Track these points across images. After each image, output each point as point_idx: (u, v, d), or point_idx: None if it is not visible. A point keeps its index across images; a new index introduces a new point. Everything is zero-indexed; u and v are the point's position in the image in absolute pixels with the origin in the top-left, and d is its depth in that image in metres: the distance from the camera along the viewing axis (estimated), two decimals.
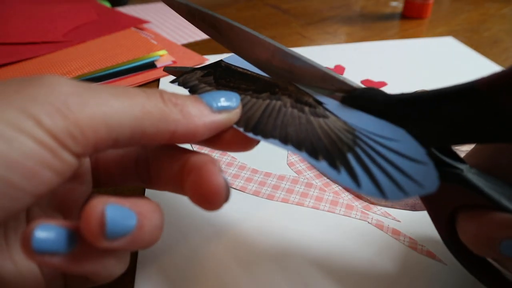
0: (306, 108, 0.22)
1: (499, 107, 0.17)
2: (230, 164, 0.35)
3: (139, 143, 0.19)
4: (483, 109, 0.18)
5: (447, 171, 0.20)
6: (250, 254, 0.27)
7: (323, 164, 0.18)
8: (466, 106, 0.18)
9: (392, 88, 0.48)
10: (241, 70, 0.25)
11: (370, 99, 0.21)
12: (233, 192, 0.32)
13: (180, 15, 0.26)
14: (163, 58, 0.54)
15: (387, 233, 0.28)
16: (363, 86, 0.22)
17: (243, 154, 0.36)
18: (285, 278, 0.25)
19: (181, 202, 0.31)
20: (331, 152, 0.19)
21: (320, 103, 0.22)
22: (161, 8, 0.77)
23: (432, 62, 0.56)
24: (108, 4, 0.75)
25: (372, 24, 0.72)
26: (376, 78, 0.50)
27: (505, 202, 0.19)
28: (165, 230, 0.28)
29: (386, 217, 0.29)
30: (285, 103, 0.22)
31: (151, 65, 0.52)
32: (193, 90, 0.24)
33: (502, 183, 0.20)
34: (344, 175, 0.18)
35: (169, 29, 0.67)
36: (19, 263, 0.19)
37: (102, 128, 0.17)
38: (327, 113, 0.21)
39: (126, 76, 0.50)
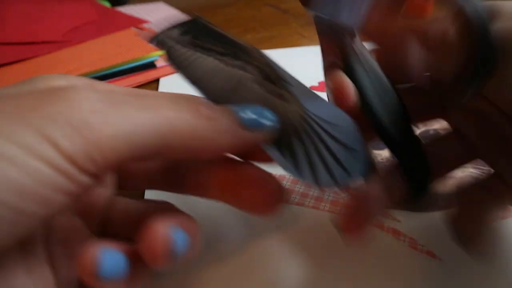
0: (271, 87, 0.21)
1: None
2: None
3: (164, 157, 0.19)
4: None
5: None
6: (249, 254, 0.27)
7: (273, 150, 0.19)
8: None
9: None
10: (217, 30, 0.24)
11: None
12: None
13: None
14: (163, 58, 0.54)
15: (387, 233, 0.28)
16: None
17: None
18: (285, 277, 0.25)
19: (182, 200, 0.31)
20: (282, 137, 0.19)
21: (286, 82, 0.22)
22: (161, 8, 0.77)
23: None
24: (108, 4, 0.75)
25: None
26: None
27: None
28: None
29: (386, 217, 0.29)
30: (253, 78, 0.21)
31: (151, 65, 0.52)
32: (169, 53, 0.23)
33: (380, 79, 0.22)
34: (288, 159, 0.18)
35: None
36: (37, 282, 0.18)
37: (124, 147, 0.16)
38: (288, 95, 0.21)
39: (126, 76, 0.50)
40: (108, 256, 0.16)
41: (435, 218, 0.29)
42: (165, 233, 0.16)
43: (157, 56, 0.53)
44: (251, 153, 0.22)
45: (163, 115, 0.17)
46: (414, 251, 0.26)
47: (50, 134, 0.15)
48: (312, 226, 0.29)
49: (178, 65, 0.22)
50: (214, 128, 0.18)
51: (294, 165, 0.18)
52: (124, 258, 0.17)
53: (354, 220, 0.21)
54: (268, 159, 0.21)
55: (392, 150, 0.22)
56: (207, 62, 0.22)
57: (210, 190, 0.22)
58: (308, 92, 0.22)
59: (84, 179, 0.16)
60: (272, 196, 0.20)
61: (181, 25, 0.24)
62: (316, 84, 0.49)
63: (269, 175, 0.21)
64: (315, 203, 0.31)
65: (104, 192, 0.22)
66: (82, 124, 0.15)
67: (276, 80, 0.21)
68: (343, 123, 0.20)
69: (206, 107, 0.18)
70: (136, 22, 0.65)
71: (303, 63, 0.54)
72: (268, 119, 0.19)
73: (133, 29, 0.62)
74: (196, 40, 0.23)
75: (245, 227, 0.29)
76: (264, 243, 0.27)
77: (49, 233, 0.19)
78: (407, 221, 0.29)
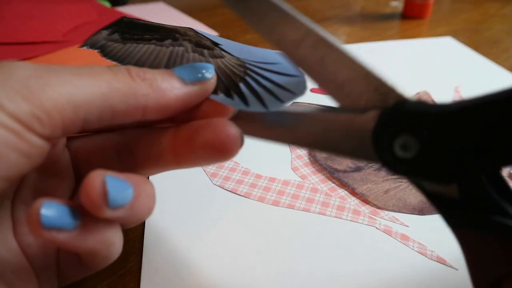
0: (206, 51, 0.23)
1: None
2: (233, 169, 0.34)
3: (112, 122, 0.19)
4: None
5: (504, 223, 0.16)
6: (256, 262, 0.26)
7: (221, 96, 0.21)
8: None
9: None
10: (143, 22, 0.26)
11: (418, 111, 0.16)
12: (237, 199, 0.31)
13: None
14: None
15: (395, 238, 0.28)
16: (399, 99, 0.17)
17: (246, 158, 0.35)
18: (293, 285, 0.25)
19: (187, 208, 0.30)
20: (227, 86, 0.22)
21: (216, 44, 0.24)
22: (161, 8, 0.76)
23: (432, 63, 0.56)
24: (108, 4, 0.75)
25: (372, 24, 0.72)
26: None
27: None
28: (171, 238, 0.28)
29: (394, 222, 0.29)
30: (186, 49, 0.24)
31: None
32: (102, 50, 0.25)
33: None
34: (236, 100, 0.21)
35: None
36: (7, 259, 0.19)
37: (68, 108, 0.17)
38: (223, 53, 0.23)
39: None
40: (48, 206, 0.17)
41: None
42: (99, 177, 0.17)
43: None
44: (203, 112, 0.22)
45: (100, 78, 0.18)
46: (424, 257, 0.26)
47: None
48: (319, 232, 0.28)
49: (115, 57, 0.24)
50: (152, 87, 0.19)
51: (244, 103, 0.20)
52: (67, 209, 0.17)
53: None
54: (220, 112, 0.22)
55: None
56: (139, 48, 0.24)
57: (164, 157, 0.22)
58: (243, 47, 0.25)
59: (34, 139, 0.17)
60: (228, 133, 0.20)
61: (107, 28, 0.26)
62: (317, 86, 0.48)
63: (218, 119, 0.21)
64: (321, 209, 0.30)
65: (65, 184, 0.23)
66: (23, 87, 0.16)
67: (211, 45, 0.24)
68: (280, 60, 0.23)
69: (137, 70, 0.20)
70: None
71: None
72: (206, 71, 0.21)
73: None
74: (125, 35, 0.25)
75: (250, 234, 0.28)
76: (270, 250, 0.27)
77: (15, 227, 0.20)
78: (415, 226, 0.29)
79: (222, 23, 0.69)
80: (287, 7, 0.19)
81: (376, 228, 0.29)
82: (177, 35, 0.24)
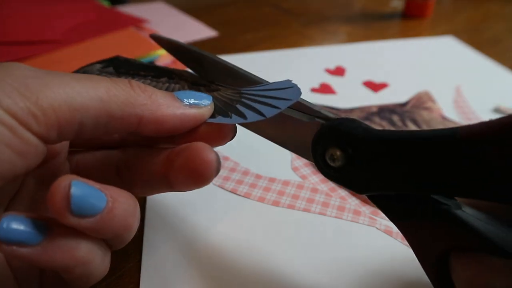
0: (202, 88, 0.24)
1: (484, 160, 0.15)
2: (233, 169, 0.34)
3: (107, 129, 0.19)
4: (466, 161, 0.16)
5: (434, 207, 0.18)
6: (256, 262, 0.26)
7: (220, 118, 0.22)
8: (447, 155, 0.16)
9: (394, 89, 0.48)
10: (139, 62, 0.26)
11: (347, 132, 0.20)
12: (237, 199, 0.31)
13: (167, 51, 0.27)
14: (162, 57, 0.53)
15: (396, 239, 0.28)
16: (339, 116, 0.21)
17: (246, 158, 0.35)
18: (293, 285, 0.25)
19: (187, 208, 0.30)
20: (225, 109, 0.22)
21: (212, 82, 0.24)
22: (161, 7, 0.76)
23: (433, 62, 0.56)
24: (107, 3, 0.74)
25: (373, 23, 0.72)
26: (377, 79, 0.50)
27: (500, 243, 0.17)
28: (171, 239, 0.28)
29: None
30: (183, 86, 0.24)
31: None
32: None
33: (497, 222, 0.18)
34: (234, 117, 0.21)
35: (168, 28, 0.66)
36: None
37: (65, 108, 0.17)
38: (219, 87, 0.24)
39: None
40: (10, 219, 0.17)
41: None
42: (65, 181, 0.17)
43: (157, 55, 0.53)
44: (200, 135, 0.22)
45: (99, 84, 0.19)
46: None
47: None
48: (320, 232, 0.28)
49: None
50: (151, 99, 0.20)
51: (242, 118, 0.21)
52: (32, 223, 0.17)
53: None
54: (218, 137, 0.22)
55: None
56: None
57: (156, 178, 0.22)
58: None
59: (29, 136, 0.17)
60: (203, 158, 0.20)
61: (101, 62, 0.26)
62: (317, 86, 0.48)
63: (197, 143, 0.21)
64: (322, 209, 0.30)
65: None
66: (21, 85, 0.16)
67: (207, 83, 0.24)
68: (271, 82, 0.23)
69: (138, 82, 0.20)
70: (136, 22, 0.64)
71: (304, 65, 0.54)
72: (204, 98, 0.22)
73: (132, 29, 0.62)
74: (119, 69, 0.25)
75: (250, 235, 0.28)
76: (270, 250, 0.27)
77: None
78: None
79: (222, 23, 0.69)
80: (232, 65, 0.24)
81: (377, 228, 0.29)
82: (173, 75, 0.25)
